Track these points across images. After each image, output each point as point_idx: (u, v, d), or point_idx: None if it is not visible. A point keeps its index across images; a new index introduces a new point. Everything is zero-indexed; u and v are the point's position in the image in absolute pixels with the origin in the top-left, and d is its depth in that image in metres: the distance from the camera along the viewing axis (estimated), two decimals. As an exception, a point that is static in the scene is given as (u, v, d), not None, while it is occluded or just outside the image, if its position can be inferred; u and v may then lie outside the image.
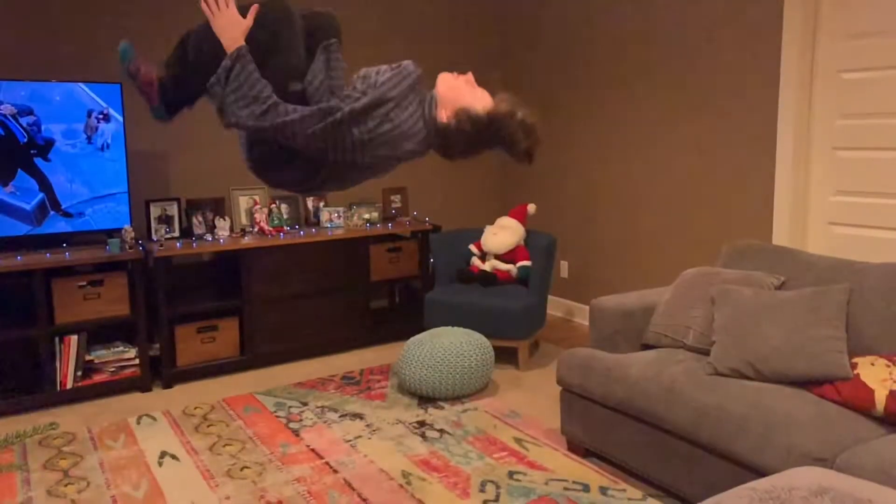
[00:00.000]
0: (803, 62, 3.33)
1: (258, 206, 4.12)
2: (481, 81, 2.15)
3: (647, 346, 2.83)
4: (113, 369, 3.59)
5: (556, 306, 4.99)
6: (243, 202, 4.20)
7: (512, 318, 3.73)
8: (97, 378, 3.55)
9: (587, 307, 4.77)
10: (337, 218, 4.35)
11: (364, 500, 2.51)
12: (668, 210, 4.10)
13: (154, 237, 3.87)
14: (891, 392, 2.07)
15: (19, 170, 3.47)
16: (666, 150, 4.07)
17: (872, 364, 2.19)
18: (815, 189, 3.41)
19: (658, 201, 4.15)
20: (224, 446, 2.96)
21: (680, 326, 2.71)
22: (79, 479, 2.71)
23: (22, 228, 3.49)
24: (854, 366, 2.22)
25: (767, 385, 2.30)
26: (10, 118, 3.42)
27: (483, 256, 4.19)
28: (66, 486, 2.66)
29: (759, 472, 2.07)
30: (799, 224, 3.46)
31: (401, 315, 4.60)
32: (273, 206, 4.20)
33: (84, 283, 3.48)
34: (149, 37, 3.99)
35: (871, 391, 2.11)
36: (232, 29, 1.84)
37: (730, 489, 1.59)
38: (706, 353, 2.59)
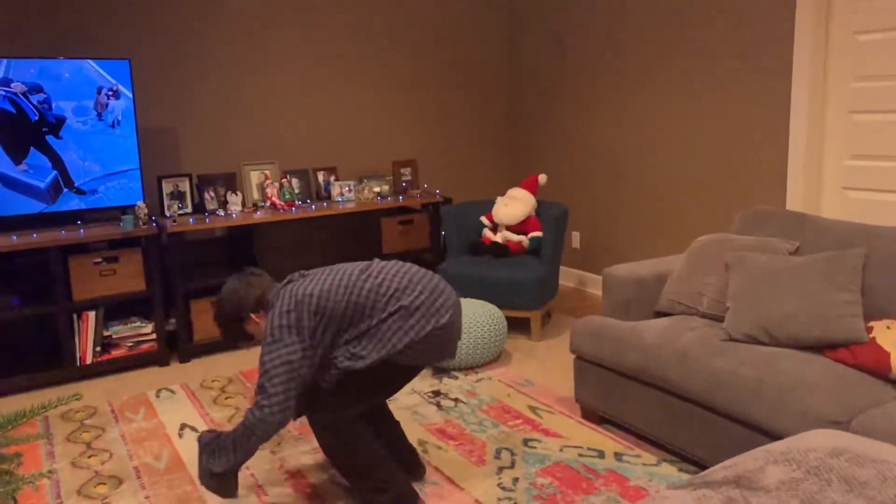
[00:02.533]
0: (818, 24, 3.27)
1: (269, 181, 4.13)
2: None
3: (660, 314, 2.83)
4: (131, 344, 3.64)
5: (568, 276, 4.99)
6: (254, 177, 4.21)
7: (524, 288, 3.74)
8: (115, 353, 3.60)
9: (599, 277, 4.78)
10: (348, 192, 4.35)
11: (381, 468, 2.55)
12: (680, 177, 4.07)
13: (167, 213, 3.89)
14: (906, 355, 2.07)
15: (32, 148, 3.48)
16: (678, 116, 4.03)
17: (888, 328, 2.18)
18: (830, 153, 3.37)
19: (670, 168, 4.12)
20: (242, 418, 3.01)
21: (694, 293, 2.70)
22: (101, 450, 2.77)
23: (37, 206, 3.52)
24: (869, 329, 2.22)
25: (782, 350, 2.31)
26: (21, 96, 3.43)
27: (494, 228, 4.19)
28: (89, 457, 2.71)
29: (775, 436, 2.08)
30: (813, 189, 3.43)
31: (413, 287, 4.61)
32: (284, 180, 4.21)
33: (100, 260, 3.51)
34: (156, 13, 3.97)
35: (887, 354, 2.10)
36: None
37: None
38: (720, 319, 2.60)
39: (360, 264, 2.21)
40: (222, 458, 2.11)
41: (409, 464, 2.44)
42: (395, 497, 2.17)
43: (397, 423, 2.46)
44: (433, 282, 2.19)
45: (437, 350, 2.15)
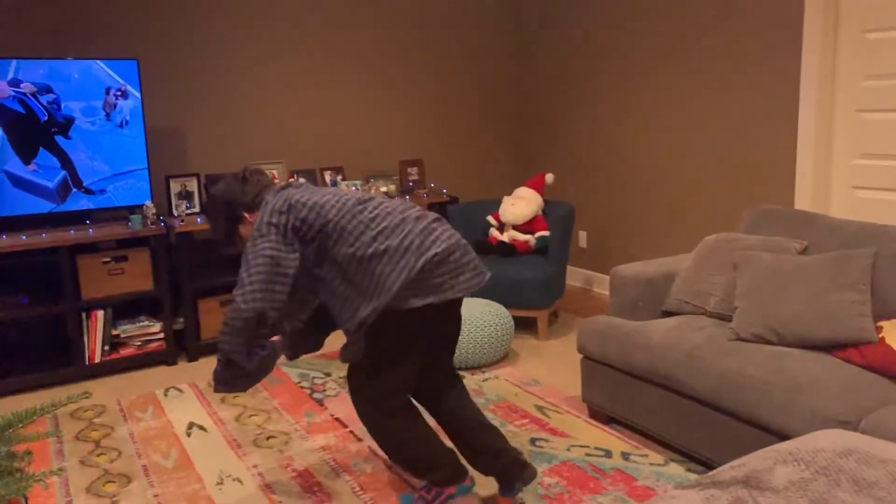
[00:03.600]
0: (827, 22, 3.26)
1: (277, 180, 4.14)
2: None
3: (667, 314, 2.83)
4: (139, 343, 3.66)
5: (574, 276, 4.98)
6: (261, 177, 4.21)
7: (531, 287, 3.74)
8: (124, 352, 3.62)
9: (606, 277, 4.77)
10: (355, 191, 4.35)
11: (388, 467, 2.55)
12: (687, 176, 4.06)
13: (175, 213, 3.91)
14: (916, 355, 2.06)
15: (41, 148, 3.50)
16: (686, 115, 4.02)
17: (897, 327, 2.17)
18: (839, 152, 3.36)
19: (677, 167, 4.11)
20: (250, 417, 3.02)
21: (701, 293, 2.70)
22: (110, 449, 2.78)
23: (46, 206, 3.54)
24: (879, 329, 2.21)
25: (790, 350, 2.30)
26: (31, 97, 3.45)
27: (501, 227, 4.19)
28: (98, 456, 2.73)
29: (783, 436, 2.07)
30: (822, 188, 3.42)
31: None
32: (291, 179, 4.21)
33: (108, 259, 3.53)
34: (164, 14, 3.98)
35: (896, 354, 2.09)
36: None
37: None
38: (728, 319, 2.59)
39: (360, 196, 2.12)
40: (219, 357, 2.07)
41: (506, 469, 2.21)
42: (446, 476, 2.14)
43: (487, 428, 2.22)
44: (428, 221, 2.06)
45: (451, 278, 2.00)
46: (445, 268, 2.01)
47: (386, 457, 2.59)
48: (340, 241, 2.00)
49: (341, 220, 2.02)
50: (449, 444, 2.53)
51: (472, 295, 3.84)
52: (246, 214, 2.15)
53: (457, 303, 2.15)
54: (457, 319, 2.20)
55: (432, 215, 2.12)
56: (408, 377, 2.09)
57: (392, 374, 2.06)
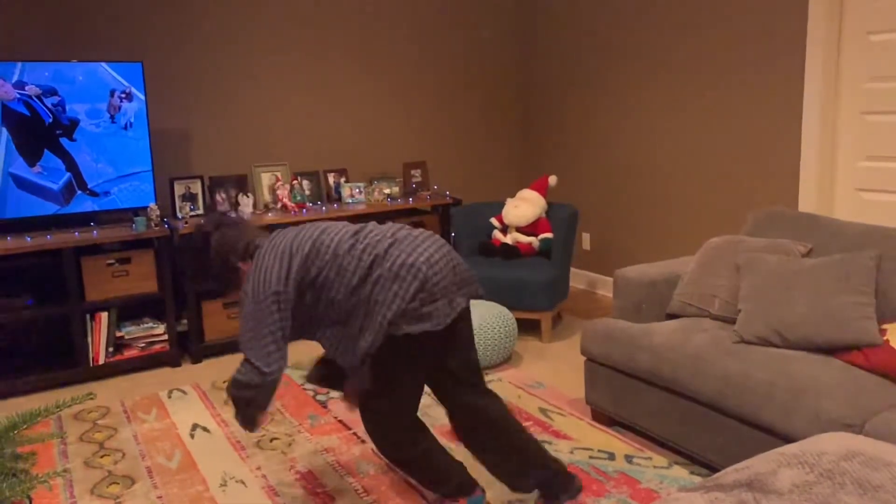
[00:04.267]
0: (831, 24, 3.25)
1: (280, 183, 4.14)
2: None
3: (671, 316, 2.82)
4: (143, 345, 3.66)
5: (578, 278, 4.98)
6: (266, 179, 4.23)
7: (534, 290, 3.73)
8: (128, 354, 3.62)
9: (610, 279, 4.76)
10: (358, 193, 4.36)
11: (392, 469, 2.55)
12: (691, 178, 4.06)
13: (179, 215, 3.92)
14: (921, 358, 2.05)
15: (46, 150, 3.51)
16: (689, 117, 4.01)
17: (902, 330, 2.16)
18: (843, 154, 3.35)
19: (681, 169, 4.11)
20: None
21: (705, 295, 2.69)
22: (114, 450, 2.78)
23: (50, 208, 3.55)
24: (883, 332, 2.20)
25: (794, 352, 2.29)
26: (35, 99, 3.46)
27: (504, 229, 4.19)
28: (102, 457, 2.73)
29: (787, 439, 2.07)
30: (826, 190, 3.41)
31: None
32: (295, 182, 4.22)
33: (112, 261, 3.54)
34: (168, 16, 3.99)
35: (901, 357, 2.09)
36: None
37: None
38: (732, 321, 2.58)
39: (352, 229, 2.06)
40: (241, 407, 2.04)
41: (553, 482, 2.17)
42: (456, 488, 2.13)
43: (525, 440, 2.17)
44: (416, 240, 2.02)
45: (447, 299, 1.96)
46: (442, 283, 1.98)
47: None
48: (337, 281, 1.98)
49: (336, 260, 1.99)
50: (460, 454, 2.51)
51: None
52: (240, 264, 2.13)
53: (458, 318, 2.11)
54: (465, 321, 2.14)
55: (419, 233, 2.08)
56: (414, 395, 2.09)
57: (397, 394, 2.06)
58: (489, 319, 3.41)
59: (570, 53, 4.77)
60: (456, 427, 2.20)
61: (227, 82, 4.19)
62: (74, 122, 3.56)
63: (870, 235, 2.50)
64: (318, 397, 3.21)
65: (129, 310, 3.77)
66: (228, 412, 3.09)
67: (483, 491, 2.21)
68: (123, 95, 3.65)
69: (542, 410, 2.99)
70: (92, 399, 2.72)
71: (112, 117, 3.64)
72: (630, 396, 2.64)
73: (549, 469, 2.16)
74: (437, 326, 1.95)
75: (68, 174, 3.57)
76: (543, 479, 2.16)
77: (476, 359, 2.20)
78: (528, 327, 4.05)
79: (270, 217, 3.90)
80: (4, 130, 3.41)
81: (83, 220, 3.69)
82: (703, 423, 2.36)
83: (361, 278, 1.97)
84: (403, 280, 1.94)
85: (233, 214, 2.20)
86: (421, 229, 2.11)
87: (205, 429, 2.95)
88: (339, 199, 4.44)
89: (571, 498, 2.18)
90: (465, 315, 2.15)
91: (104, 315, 3.53)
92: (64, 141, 3.55)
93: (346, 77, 4.56)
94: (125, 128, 3.67)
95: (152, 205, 3.68)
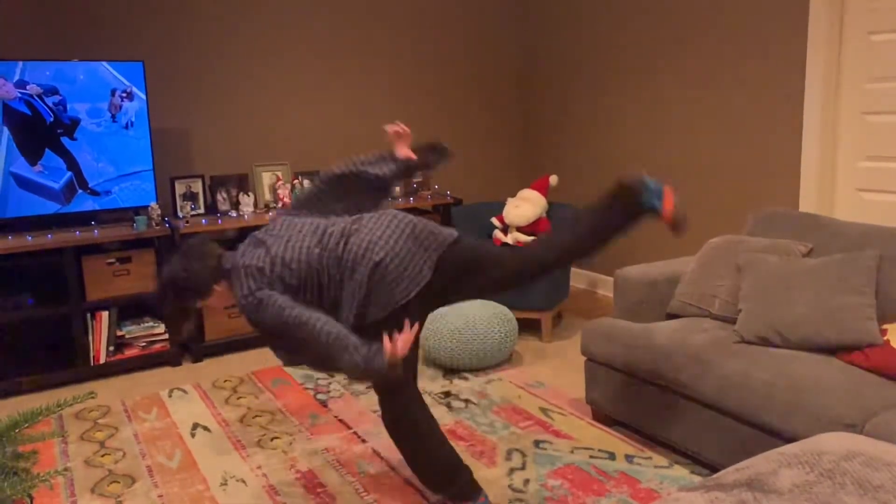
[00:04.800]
0: (832, 24, 3.25)
1: (281, 182, 4.14)
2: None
3: (671, 316, 2.82)
4: (143, 344, 3.67)
5: (578, 278, 4.98)
6: (266, 178, 4.23)
7: (535, 289, 3.73)
8: (129, 353, 3.63)
9: (610, 278, 4.76)
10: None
11: (392, 468, 2.56)
12: (692, 179, 4.06)
13: (180, 214, 3.92)
14: (921, 358, 2.05)
15: (47, 149, 3.52)
16: (690, 117, 4.01)
17: (902, 330, 2.16)
18: (844, 155, 3.35)
19: (682, 169, 4.11)
20: (254, 418, 3.02)
21: (706, 295, 2.69)
22: (115, 449, 2.79)
23: (51, 207, 3.55)
24: (884, 332, 2.20)
25: (794, 352, 2.29)
26: (37, 98, 3.46)
27: (505, 229, 4.19)
28: (102, 456, 2.73)
29: (787, 439, 2.07)
30: (827, 191, 3.41)
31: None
32: (296, 181, 4.22)
33: (113, 261, 3.54)
34: (170, 16, 4.00)
35: (901, 357, 2.09)
36: None
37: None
38: (732, 321, 2.59)
39: (338, 232, 2.12)
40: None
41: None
42: (463, 490, 2.16)
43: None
44: (383, 236, 2.08)
45: (397, 277, 2.02)
46: (382, 268, 2.03)
47: (397, 461, 2.59)
48: (323, 280, 2.07)
49: (323, 263, 2.07)
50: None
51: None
52: (215, 287, 2.12)
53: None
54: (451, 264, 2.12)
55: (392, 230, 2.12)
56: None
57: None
58: (490, 319, 3.41)
59: (571, 53, 4.76)
60: None
61: (228, 81, 4.19)
62: (75, 122, 3.56)
63: (870, 235, 2.50)
64: (319, 396, 3.21)
65: (129, 309, 3.77)
66: (229, 411, 3.09)
67: (487, 497, 2.21)
68: (124, 95, 3.65)
69: (543, 410, 2.99)
70: (93, 398, 2.72)
71: (113, 116, 3.64)
72: (630, 396, 2.64)
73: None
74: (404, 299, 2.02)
75: (69, 173, 3.58)
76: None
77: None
78: (528, 327, 4.05)
79: (271, 216, 3.89)
80: (6, 129, 3.41)
81: (84, 219, 3.69)
82: (703, 423, 2.36)
83: (337, 282, 2.06)
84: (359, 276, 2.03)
85: (183, 245, 2.17)
86: (373, 214, 2.18)
87: (205, 428, 2.95)
88: (340, 198, 4.44)
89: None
90: (443, 267, 2.09)
91: (105, 314, 3.53)
92: (65, 140, 3.55)
93: (347, 77, 4.56)
94: (126, 127, 3.68)
95: (153, 204, 3.69)
